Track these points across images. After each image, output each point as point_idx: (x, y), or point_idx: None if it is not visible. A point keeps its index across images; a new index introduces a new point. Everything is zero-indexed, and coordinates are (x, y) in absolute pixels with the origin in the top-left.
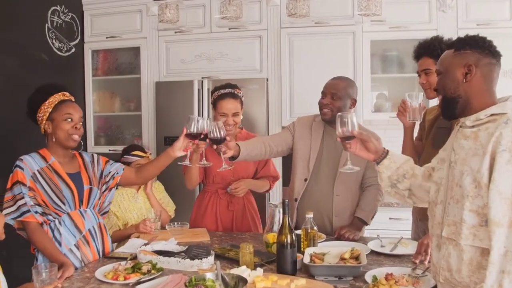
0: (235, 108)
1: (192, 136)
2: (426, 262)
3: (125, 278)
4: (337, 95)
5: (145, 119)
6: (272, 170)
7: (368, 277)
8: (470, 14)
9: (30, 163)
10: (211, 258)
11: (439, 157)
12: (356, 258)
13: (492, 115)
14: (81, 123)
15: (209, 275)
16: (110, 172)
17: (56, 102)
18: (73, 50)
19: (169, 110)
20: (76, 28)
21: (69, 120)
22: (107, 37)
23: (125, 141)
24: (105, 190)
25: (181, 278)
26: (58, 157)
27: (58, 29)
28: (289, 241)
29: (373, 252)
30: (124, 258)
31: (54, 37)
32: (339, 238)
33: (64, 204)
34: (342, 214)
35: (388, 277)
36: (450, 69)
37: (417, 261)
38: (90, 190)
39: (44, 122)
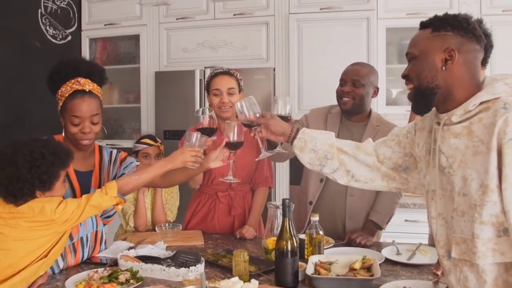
0: (230, 83)
1: (233, 146)
2: None
3: None
4: (360, 82)
5: (144, 111)
6: (265, 171)
7: None
8: (495, 0)
9: None
10: (200, 267)
11: (405, 151)
12: (368, 268)
13: (481, 103)
14: (93, 123)
15: None
16: (123, 175)
17: (67, 95)
18: (69, 38)
19: (169, 101)
20: (73, 15)
21: (76, 124)
22: (105, 25)
23: (123, 134)
24: None
25: None
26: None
27: (53, 15)
28: (289, 248)
29: (387, 261)
30: (103, 264)
31: (48, 23)
32: (350, 243)
33: None
34: (356, 216)
35: None
36: (427, 53)
37: (439, 273)
38: None
39: (59, 110)
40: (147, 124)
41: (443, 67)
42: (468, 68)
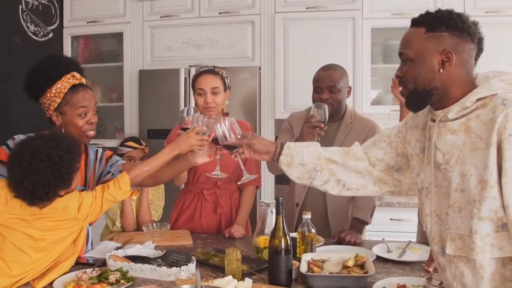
0: (214, 82)
1: (217, 141)
2: None
3: None
4: (336, 88)
5: (128, 110)
6: (253, 170)
7: None
8: (479, 2)
9: None
10: (191, 266)
11: (397, 151)
12: (361, 266)
13: (478, 100)
14: (95, 112)
15: None
16: (109, 173)
17: (66, 91)
18: (50, 35)
19: (153, 100)
20: (54, 12)
21: (83, 115)
22: (87, 22)
23: (106, 134)
24: None
25: None
26: None
27: (34, 11)
28: (283, 246)
29: (379, 259)
30: (91, 264)
31: (29, 20)
32: (340, 242)
33: None
34: (338, 213)
35: None
36: (423, 56)
37: (431, 269)
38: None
39: (51, 112)
40: (131, 123)
41: (441, 69)
42: (464, 67)
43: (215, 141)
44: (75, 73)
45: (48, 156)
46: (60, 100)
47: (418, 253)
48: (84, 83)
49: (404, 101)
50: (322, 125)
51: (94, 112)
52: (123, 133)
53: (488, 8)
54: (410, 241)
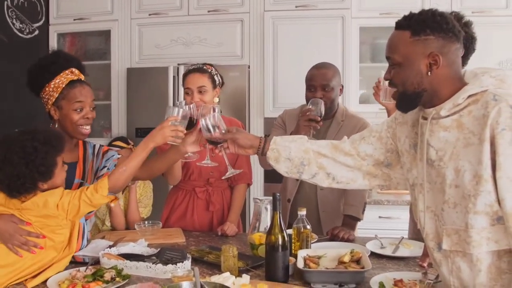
0: (201, 81)
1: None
2: None
3: None
4: (329, 86)
5: (115, 109)
6: (244, 168)
7: (374, 283)
8: (465, 1)
9: None
10: (187, 263)
11: (386, 147)
12: (357, 261)
13: (469, 96)
14: (92, 108)
15: (186, 285)
16: (105, 167)
17: (64, 85)
18: (36, 32)
19: (141, 99)
20: (40, 8)
21: (79, 110)
22: (74, 19)
23: (92, 133)
24: None
25: (151, 287)
26: None
27: (20, 8)
28: (280, 242)
29: (373, 254)
30: (84, 263)
31: (14, 16)
32: (333, 239)
33: None
34: (329, 209)
35: (398, 283)
36: (410, 60)
37: (425, 264)
38: (80, 185)
39: (49, 106)
40: (118, 122)
41: (428, 72)
42: (451, 67)
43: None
44: (74, 69)
45: (22, 148)
46: (57, 95)
47: (411, 249)
48: (83, 79)
49: (389, 107)
50: (319, 118)
51: (91, 108)
52: (111, 131)
53: (475, 8)
54: (403, 237)
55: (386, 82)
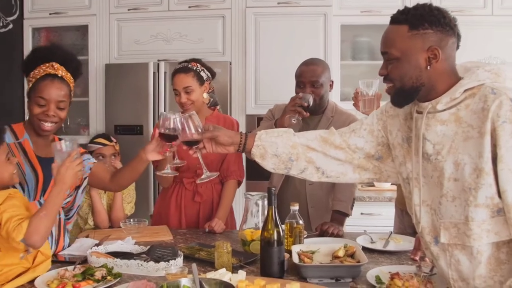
0: (185, 82)
1: (167, 137)
2: (427, 259)
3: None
4: (318, 83)
5: (93, 106)
6: (233, 164)
7: (370, 277)
8: (444, 1)
9: None
10: (179, 260)
11: (378, 140)
12: (351, 256)
13: (465, 90)
14: (60, 108)
15: (185, 282)
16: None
17: (39, 77)
18: (10, 26)
19: (120, 95)
20: (14, 2)
21: (41, 104)
22: (50, 14)
23: (69, 131)
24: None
25: (145, 285)
26: (32, 137)
27: None
28: (275, 237)
29: (364, 249)
30: (71, 262)
31: None
32: (322, 234)
33: (23, 190)
34: (318, 204)
35: (395, 276)
36: (409, 55)
37: (417, 258)
38: None
39: (27, 92)
40: (96, 119)
41: (428, 67)
42: (448, 61)
43: (164, 137)
44: (55, 64)
45: None
46: (31, 85)
47: (401, 243)
48: (59, 75)
49: (368, 113)
50: (306, 104)
51: (59, 108)
52: (89, 129)
53: (453, 8)
54: (391, 232)
55: (368, 92)
